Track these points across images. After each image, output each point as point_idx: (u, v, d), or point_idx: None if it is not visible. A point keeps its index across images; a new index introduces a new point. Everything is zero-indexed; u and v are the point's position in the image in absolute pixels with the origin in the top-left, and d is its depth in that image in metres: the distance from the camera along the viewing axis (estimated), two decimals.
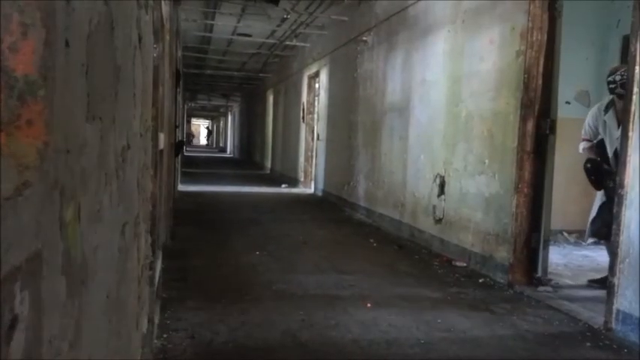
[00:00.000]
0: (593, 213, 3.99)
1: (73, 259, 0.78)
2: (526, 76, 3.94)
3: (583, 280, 4.09)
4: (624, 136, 3.07)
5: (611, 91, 3.82)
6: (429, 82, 5.51)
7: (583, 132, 4.09)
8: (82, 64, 0.83)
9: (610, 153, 3.86)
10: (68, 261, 0.76)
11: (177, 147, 3.46)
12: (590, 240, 4.20)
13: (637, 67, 2.98)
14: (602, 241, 4.03)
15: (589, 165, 3.91)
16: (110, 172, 1.17)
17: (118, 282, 1.33)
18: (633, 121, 3.00)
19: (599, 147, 3.95)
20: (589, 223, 4.04)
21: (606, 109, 3.90)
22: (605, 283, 3.77)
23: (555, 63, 3.93)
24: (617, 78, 3.75)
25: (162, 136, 3.08)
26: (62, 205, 0.72)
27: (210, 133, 45.19)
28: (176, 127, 5.87)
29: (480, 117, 4.53)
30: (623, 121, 3.15)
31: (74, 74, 0.79)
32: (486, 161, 4.42)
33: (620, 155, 3.74)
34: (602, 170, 3.85)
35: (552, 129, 3.94)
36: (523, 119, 3.97)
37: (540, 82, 3.93)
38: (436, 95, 5.33)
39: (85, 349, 0.89)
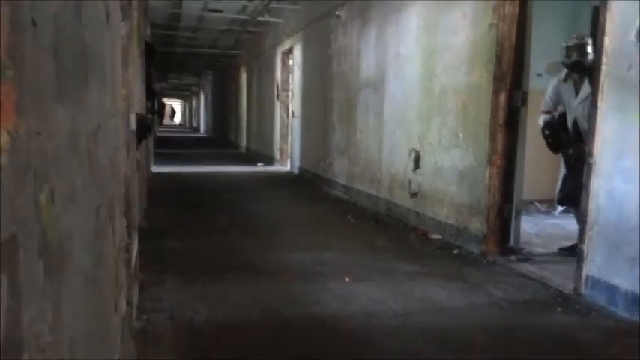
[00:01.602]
0: (559, 183, 4.11)
1: (49, 241, 0.78)
2: (498, 48, 3.97)
3: (553, 248, 4.21)
4: (593, 106, 3.14)
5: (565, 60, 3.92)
6: (403, 56, 5.51)
7: (543, 104, 4.15)
8: (50, 43, 0.81)
9: (569, 122, 3.95)
10: (44, 244, 0.75)
11: (143, 129, 3.27)
12: (560, 209, 4.33)
13: (606, 38, 3.03)
14: (571, 210, 4.16)
15: (546, 131, 4.02)
16: (82, 154, 1.15)
17: (95, 264, 1.32)
18: (602, 92, 3.06)
19: (560, 119, 4.03)
20: (557, 191, 4.16)
21: (565, 79, 3.99)
22: (574, 250, 3.90)
23: (527, 35, 3.97)
24: (570, 43, 3.84)
25: (133, 117, 3.03)
26: (36, 188, 0.71)
27: (173, 112, 44.51)
28: (153, 93, 5.64)
29: (453, 91, 4.57)
30: (592, 91, 3.21)
31: (43, 54, 0.77)
32: (460, 135, 4.47)
33: (584, 126, 3.84)
34: (560, 136, 3.96)
35: (524, 101, 4.00)
36: (496, 92, 4.02)
37: (512, 54, 3.97)
38: (410, 70, 5.34)
39: (65, 332, 0.89)
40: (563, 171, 4.09)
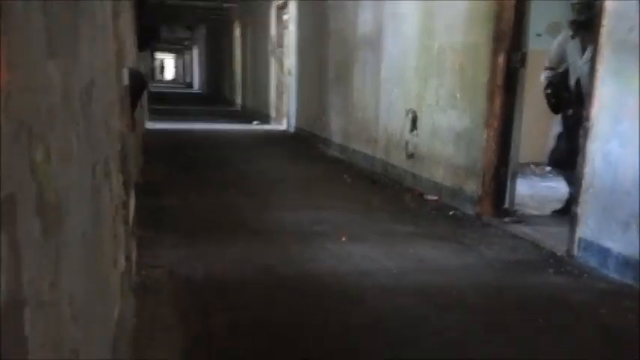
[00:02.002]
0: (551, 143, 4.07)
1: (46, 200, 0.77)
2: (498, 7, 3.88)
3: (547, 211, 4.25)
4: (592, 70, 3.10)
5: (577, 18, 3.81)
6: (401, 14, 5.38)
7: (547, 60, 4.06)
8: None
9: (572, 81, 3.89)
10: (42, 202, 0.74)
11: (139, 87, 3.12)
12: (549, 169, 4.31)
13: (607, 1, 2.96)
14: (560, 171, 4.14)
15: (548, 90, 3.95)
16: (76, 111, 1.13)
17: (93, 221, 1.32)
18: (602, 54, 3.02)
19: (562, 76, 3.97)
20: (549, 153, 4.14)
21: (573, 37, 3.88)
22: (566, 212, 3.94)
23: None
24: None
25: (125, 71, 2.97)
26: (31, 147, 0.70)
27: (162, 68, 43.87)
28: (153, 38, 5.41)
29: (452, 50, 4.49)
30: (592, 54, 3.16)
31: (31, 8, 0.74)
32: (458, 95, 4.43)
33: (587, 88, 3.79)
34: (562, 95, 3.91)
35: (523, 62, 3.94)
36: (494, 52, 3.95)
37: (512, 14, 3.87)
38: (409, 28, 5.23)
39: (65, 288, 0.90)
40: (555, 130, 4.04)
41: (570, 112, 3.88)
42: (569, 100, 3.88)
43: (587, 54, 3.77)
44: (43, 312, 0.74)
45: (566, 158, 3.90)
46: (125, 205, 2.45)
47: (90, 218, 1.27)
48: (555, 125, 4.05)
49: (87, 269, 1.19)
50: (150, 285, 2.63)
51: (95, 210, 1.37)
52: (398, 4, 5.45)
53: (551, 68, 4.02)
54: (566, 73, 3.95)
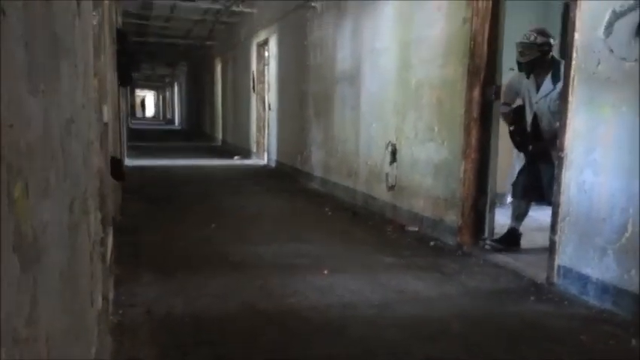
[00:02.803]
0: (513, 177, 4.09)
1: (24, 236, 0.76)
2: (472, 42, 4.02)
3: (527, 239, 4.29)
4: (564, 101, 3.21)
5: (519, 59, 3.89)
6: (379, 49, 5.52)
7: (503, 95, 4.11)
8: (20, 33, 0.79)
9: (529, 117, 3.98)
10: (19, 238, 0.74)
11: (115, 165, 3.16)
12: (510, 200, 4.34)
13: (576, 34, 3.09)
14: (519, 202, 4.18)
15: (512, 127, 4.03)
16: (56, 147, 1.12)
17: (70, 259, 1.30)
18: (572, 86, 3.13)
19: (516, 112, 4.04)
20: (511, 185, 4.14)
21: (528, 74, 3.95)
22: (503, 243, 3.98)
23: (500, 30, 4.02)
24: (538, 39, 3.81)
25: (105, 109, 2.97)
26: (9, 181, 0.70)
27: (143, 105, 43.99)
28: (130, 79, 5.38)
29: (429, 85, 4.61)
30: (564, 86, 3.28)
31: (13, 45, 0.75)
32: (435, 128, 4.52)
33: (545, 123, 3.90)
34: (526, 133, 3.99)
35: (497, 95, 4.06)
36: (470, 86, 4.07)
37: (486, 48, 4.01)
38: (386, 63, 5.36)
39: (41, 326, 0.88)
40: (517, 166, 4.05)
41: (530, 147, 3.96)
42: (527, 136, 3.96)
43: (543, 90, 3.89)
44: (19, 350, 0.72)
45: (528, 190, 3.97)
46: (103, 242, 2.41)
47: (67, 255, 1.26)
48: (517, 162, 4.09)
49: (64, 307, 1.17)
50: (127, 324, 2.56)
51: (72, 247, 1.36)
52: (376, 41, 5.59)
53: (505, 104, 4.11)
54: (520, 109, 4.05)
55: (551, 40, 3.87)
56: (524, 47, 3.86)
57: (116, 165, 3.37)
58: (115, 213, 4.30)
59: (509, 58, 4.15)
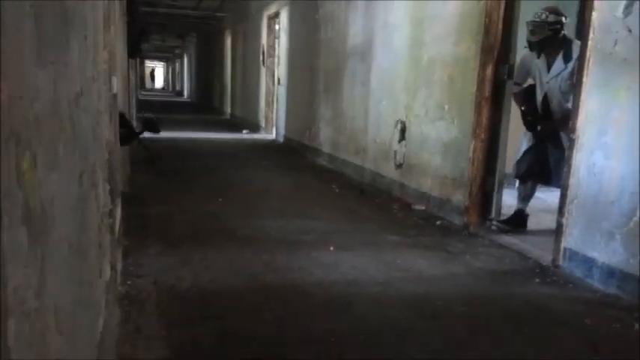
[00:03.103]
0: (518, 156, 4.07)
1: (32, 208, 0.77)
2: (487, 20, 3.94)
3: (534, 221, 4.29)
4: (578, 82, 3.16)
5: (531, 38, 3.83)
6: (391, 25, 5.44)
7: (514, 75, 4.04)
8: (30, 5, 0.78)
9: (539, 97, 3.93)
10: (27, 211, 0.74)
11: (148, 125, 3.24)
12: (517, 182, 4.32)
13: (594, 13, 3.02)
14: (522, 183, 4.14)
15: (523, 108, 3.98)
16: (64, 120, 1.12)
17: (79, 230, 1.31)
18: (587, 67, 3.07)
19: (527, 92, 4.00)
20: (514, 164, 4.13)
21: (539, 53, 3.91)
22: (510, 224, 3.97)
23: (516, 7, 3.94)
24: (536, 19, 3.75)
25: (115, 80, 2.97)
26: (18, 154, 0.70)
27: (153, 76, 43.88)
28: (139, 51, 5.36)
29: (441, 62, 4.55)
30: (578, 67, 3.22)
31: (22, 17, 0.75)
32: (446, 107, 4.47)
33: (555, 103, 3.85)
34: (537, 113, 3.93)
35: (510, 74, 4.00)
36: (483, 64, 4.01)
37: (500, 26, 3.94)
38: (398, 39, 5.28)
39: (50, 298, 0.89)
40: (524, 145, 4.02)
41: (539, 128, 3.92)
42: (537, 115, 3.91)
43: (554, 70, 3.83)
44: (28, 322, 0.73)
45: (534, 171, 3.94)
46: (111, 214, 2.44)
47: (76, 227, 1.27)
48: (524, 141, 4.06)
49: (72, 279, 1.18)
50: (135, 295, 2.61)
51: (81, 219, 1.37)
52: (388, 16, 5.50)
53: (516, 84, 4.05)
54: (531, 89, 3.99)
55: (563, 19, 3.79)
56: (535, 26, 3.79)
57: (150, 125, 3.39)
58: (124, 185, 4.34)
59: (523, 37, 4.07)
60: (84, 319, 1.35)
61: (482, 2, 3.96)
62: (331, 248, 3.46)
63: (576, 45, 3.69)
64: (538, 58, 3.90)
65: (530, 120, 3.96)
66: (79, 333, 1.25)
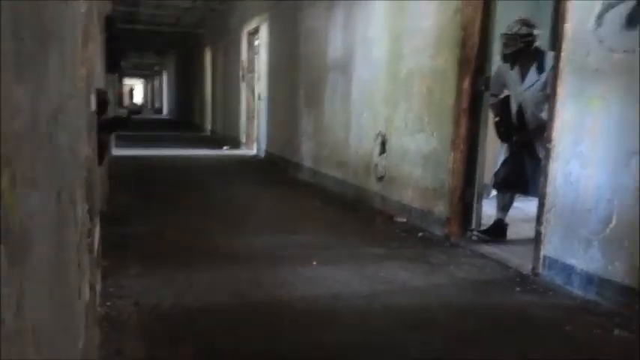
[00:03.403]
0: (496, 167, 4.13)
1: (11, 227, 0.75)
2: (464, 33, 4.02)
3: (513, 230, 4.34)
4: (552, 92, 3.23)
5: (505, 51, 3.92)
6: (370, 39, 5.51)
7: (490, 87, 4.10)
8: (8, 21, 0.78)
9: (514, 108, 4.01)
10: (6, 229, 0.73)
11: (115, 124, 3.21)
12: (493, 192, 4.39)
13: (566, 25, 3.10)
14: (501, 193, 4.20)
15: (497, 118, 4.04)
16: (43, 137, 1.11)
17: (58, 250, 1.29)
18: (562, 77, 3.15)
19: (503, 103, 4.07)
20: (492, 175, 4.19)
21: (512, 65, 3.99)
22: (490, 234, 4.02)
23: (491, 19, 4.02)
24: (508, 31, 3.84)
25: (93, 98, 2.94)
26: None
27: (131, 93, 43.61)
28: (117, 67, 5.32)
29: (420, 75, 4.61)
30: (552, 77, 3.29)
31: (1, 33, 0.74)
32: (425, 119, 4.53)
33: (529, 114, 3.93)
34: (511, 124, 4.00)
35: (487, 86, 4.07)
36: (460, 76, 4.08)
37: (477, 39, 4.01)
38: (378, 53, 5.35)
39: (29, 318, 0.87)
40: (502, 156, 4.09)
41: (514, 138, 3.98)
42: (513, 126, 3.98)
43: (528, 81, 3.91)
44: (7, 343, 0.72)
45: (511, 181, 4.00)
46: (90, 233, 2.40)
47: (55, 247, 1.25)
48: (502, 151, 4.12)
49: (51, 300, 1.16)
50: (115, 316, 2.56)
51: (60, 238, 1.34)
52: (368, 30, 5.58)
53: (493, 95, 4.12)
54: (507, 100, 4.07)
55: (535, 31, 3.89)
56: (508, 38, 3.88)
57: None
58: (102, 203, 4.27)
59: (498, 49, 4.15)
60: (63, 342, 1.31)
61: (458, 15, 4.04)
62: (314, 263, 3.45)
63: (549, 56, 3.78)
64: (512, 69, 3.99)
65: (503, 131, 4.03)
66: (59, 355, 1.22)
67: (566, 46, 3.11)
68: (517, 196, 4.22)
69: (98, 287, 2.69)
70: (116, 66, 5.28)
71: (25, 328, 0.84)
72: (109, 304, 2.68)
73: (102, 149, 3.39)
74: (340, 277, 3.18)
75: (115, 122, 3.32)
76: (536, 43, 3.90)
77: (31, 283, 0.90)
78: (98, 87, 3.35)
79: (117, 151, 9.32)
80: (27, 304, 0.86)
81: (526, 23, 3.88)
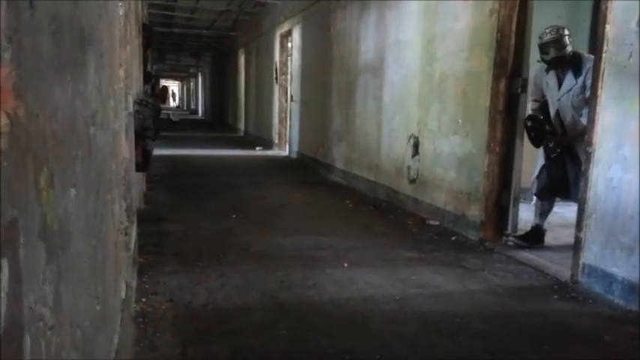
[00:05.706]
0: (534, 174, 4.04)
1: (49, 225, 0.77)
2: (499, 34, 3.94)
3: (551, 236, 4.22)
4: (593, 95, 3.13)
5: (544, 57, 3.83)
6: (403, 41, 5.46)
7: (530, 92, 4.05)
8: (48, 24, 0.80)
9: (552, 113, 3.90)
10: (45, 227, 0.75)
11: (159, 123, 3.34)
12: (535, 200, 4.27)
13: (607, 26, 3.00)
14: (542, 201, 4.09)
15: (529, 123, 3.93)
16: (81, 137, 1.14)
17: (95, 247, 1.32)
18: (602, 80, 3.05)
19: (544, 107, 3.97)
20: (533, 180, 4.09)
21: (547, 70, 3.90)
22: (527, 240, 3.90)
23: (528, 21, 3.93)
24: (545, 38, 3.76)
25: (130, 98, 3.01)
26: (36, 171, 0.70)
27: (173, 95, 44.46)
28: (149, 75, 5.52)
29: (453, 77, 4.54)
30: (593, 79, 3.19)
31: (41, 36, 0.76)
32: (460, 121, 4.46)
33: (567, 120, 3.82)
34: (543, 128, 3.89)
35: (524, 88, 3.98)
36: (496, 78, 4.00)
37: (513, 41, 3.93)
38: (410, 55, 5.30)
39: (66, 314, 0.89)
40: (540, 162, 4.01)
41: (551, 144, 3.87)
42: (550, 132, 3.87)
43: (565, 86, 3.80)
44: (44, 338, 0.73)
45: (553, 187, 3.89)
46: (127, 231, 2.45)
47: (92, 244, 1.28)
48: (540, 157, 4.03)
49: (89, 295, 1.19)
50: (150, 313, 2.61)
51: (97, 236, 1.38)
52: (400, 33, 5.53)
53: (535, 100, 4.03)
54: (545, 105, 3.96)
55: (567, 38, 3.79)
56: (541, 47, 3.79)
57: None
58: (139, 202, 4.37)
59: (536, 51, 4.05)
60: (99, 336, 1.34)
61: (494, 17, 3.97)
62: (346, 264, 3.44)
63: (587, 59, 3.67)
64: (547, 74, 3.90)
65: (534, 136, 3.93)
66: (95, 350, 1.25)
67: (607, 48, 3.01)
68: (557, 201, 4.11)
69: (134, 284, 2.75)
70: (149, 76, 5.43)
71: (62, 323, 0.86)
72: (144, 300, 2.74)
73: (147, 156, 3.48)
74: (371, 280, 3.16)
75: (167, 123, 3.42)
76: (568, 46, 3.78)
77: (68, 279, 0.92)
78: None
79: (154, 151, 9.51)
80: (64, 299, 0.88)
81: (555, 29, 3.79)
